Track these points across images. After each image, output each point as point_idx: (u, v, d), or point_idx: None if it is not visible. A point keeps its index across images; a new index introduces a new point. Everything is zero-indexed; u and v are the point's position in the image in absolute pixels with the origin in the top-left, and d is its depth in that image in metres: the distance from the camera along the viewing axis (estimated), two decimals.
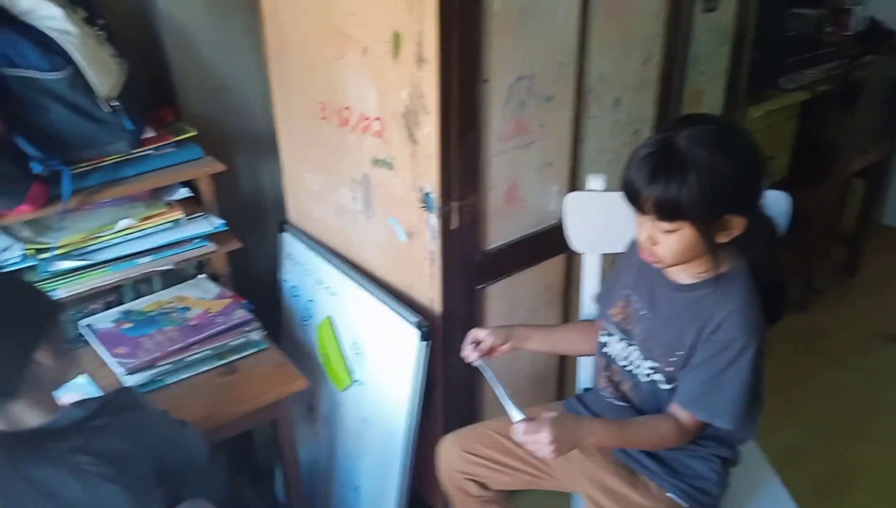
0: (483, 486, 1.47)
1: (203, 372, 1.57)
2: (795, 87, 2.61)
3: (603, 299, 1.45)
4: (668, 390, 1.29)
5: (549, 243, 1.68)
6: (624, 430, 1.27)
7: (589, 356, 1.52)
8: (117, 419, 1.12)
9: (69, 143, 1.47)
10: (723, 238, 1.16)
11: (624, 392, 1.37)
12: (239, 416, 1.49)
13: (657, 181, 1.12)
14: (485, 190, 1.50)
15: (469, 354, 1.38)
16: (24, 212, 1.44)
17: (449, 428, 1.70)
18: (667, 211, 1.13)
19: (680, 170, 1.10)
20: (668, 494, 1.31)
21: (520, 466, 1.44)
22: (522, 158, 1.55)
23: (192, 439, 1.28)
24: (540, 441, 1.18)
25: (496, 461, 1.44)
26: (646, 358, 1.31)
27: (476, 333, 1.40)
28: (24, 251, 1.49)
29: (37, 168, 1.41)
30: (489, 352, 1.40)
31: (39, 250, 1.50)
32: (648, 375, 1.31)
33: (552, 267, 1.75)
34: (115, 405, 1.14)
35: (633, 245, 1.35)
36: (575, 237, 1.49)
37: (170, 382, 1.53)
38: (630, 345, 1.34)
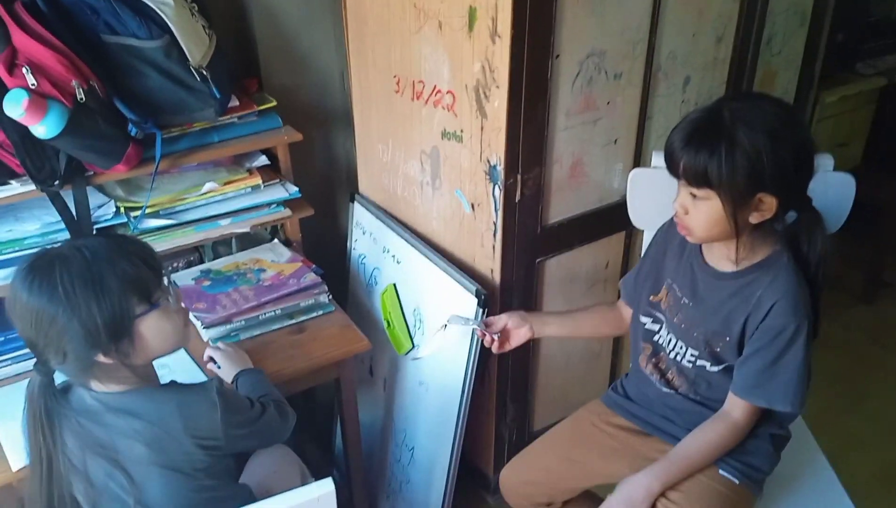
0: (548, 504, 1.52)
1: (274, 330, 1.66)
2: (874, 72, 2.55)
3: (633, 290, 1.45)
4: (717, 372, 1.30)
5: (610, 219, 1.71)
6: (680, 459, 1.29)
7: (608, 337, 1.55)
8: (187, 411, 1.14)
9: (162, 108, 1.57)
10: (755, 218, 1.16)
11: (670, 380, 1.38)
12: (305, 372, 1.58)
13: (690, 146, 1.13)
14: (549, 164, 1.54)
15: (480, 333, 1.43)
16: (120, 171, 1.54)
17: (502, 396, 1.77)
18: (695, 178, 1.14)
19: (715, 140, 1.11)
20: (721, 472, 1.31)
21: (576, 475, 1.47)
22: (588, 134, 1.57)
23: (270, 424, 1.29)
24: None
25: (552, 480, 1.48)
26: (689, 347, 1.32)
27: (491, 318, 1.46)
28: (118, 209, 1.60)
29: (133, 131, 1.51)
30: (503, 337, 1.45)
31: (131, 209, 1.62)
32: (692, 362, 1.32)
33: (612, 244, 1.78)
34: (189, 399, 1.16)
35: (672, 230, 1.35)
36: (637, 214, 1.52)
37: (244, 337, 1.63)
38: (673, 333, 1.35)
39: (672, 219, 1.34)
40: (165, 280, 1.14)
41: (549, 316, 1.52)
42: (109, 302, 1.05)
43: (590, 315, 1.55)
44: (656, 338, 1.39)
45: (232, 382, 1.43)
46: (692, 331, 1.31)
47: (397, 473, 1.89)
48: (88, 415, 1.10)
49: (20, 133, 1.39)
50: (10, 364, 1.53)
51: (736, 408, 1.27)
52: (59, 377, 1.13)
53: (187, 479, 1.15)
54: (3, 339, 1.52)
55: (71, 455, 1.11)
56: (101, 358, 1.07)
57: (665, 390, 1.39)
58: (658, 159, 1.49)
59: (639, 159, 1.70)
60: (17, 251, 1.51)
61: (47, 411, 1.08)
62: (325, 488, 1.06)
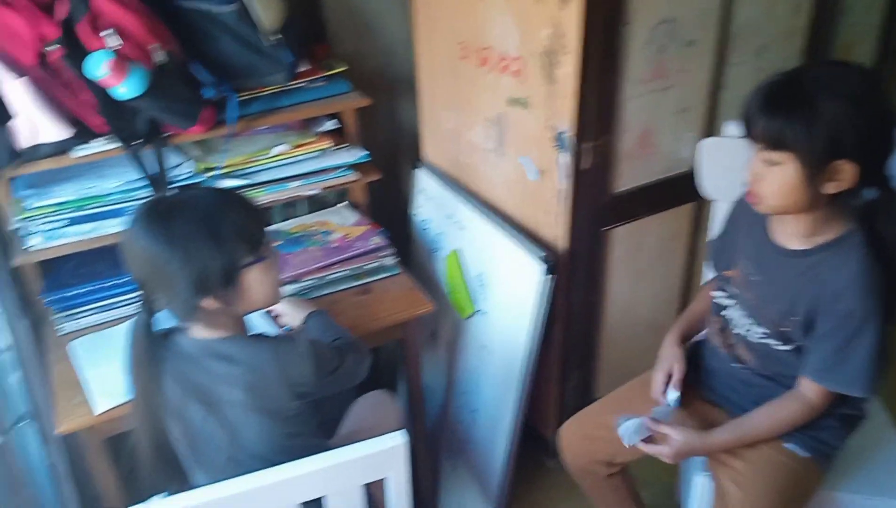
0: (608, 463, 1.52)
1: (341, 290, 1.71)
2: None
3: (718, 256, 1.43)
4: (786, 351, 1.28)
5: (679, 189, 1.69)
6: (746, 431, 1.30)
7: None
8: (276, 357, 1.18)
9: (235, 72, 1.61)
10: (830, 189, 1.13)
11: (739, 355, 1.37)
12: (371, 333, 1.62)
13: (768, 108, 1.11)
14: (618, 132, 1.53)
15: (662, 398, 1.42)
16: (196, 132, 1.60)
17: (566, 362, 1.78)
18: (772, 140, 1.12)
19: (795, 102, 1.09)
20: (786, 445, 1.31)
21: None
22: (659, 103, 1.56)
23: (352, 367, 1.35)
24: (661, 454, 1.27)
25: (615, 438, 1.45)
26: (758, 324, 1.30)
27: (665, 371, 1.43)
28: (194, 169, 1.66)
29: (208, 93, 1.56)
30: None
31: (206, 169, 1.67)
32: (761, 340, 1.31)
33: (680, 215, 1.76)
34: (282, 348, 1.20)
35: (744, 204, 1.33)
36: (708, 184, 1.50)
37: (313, 296, 1.68)
38: (743, 310, 1.33)
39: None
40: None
41: (685, 328, 1.48)
42: (223, 250, 1.10)
43: (705, 303, 1.49)
44: (725, 313, 1.38)
45: (302, 325, 1.47)
46: (762, 309, 1.29)
47: (459, 434, 1.93)
48: (189, 359, 1.16)
49: (103, 94, 1.45)
50: (96, 313, 1.61)
51: (809, 390, 1.26)
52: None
53: (280, 424, 1.20)
54: (87, 289, 1.60)
55: (170, 397, 1.17)
56: (207, 303, 1.13)
57: (734, 364, 1.38)
58: (730, 129, 1.47)
59: (710, 129, 1.67)
60: (101, 207, 1.58)
61: (150, 352, 1.14)
62: (398, 440, 1.10)
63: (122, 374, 1.19)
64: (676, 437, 1.29)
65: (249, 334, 1.26)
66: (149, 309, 1.14)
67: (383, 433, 1.09)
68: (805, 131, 1.08)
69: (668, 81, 1.54)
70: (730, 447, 1.32)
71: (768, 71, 1.68)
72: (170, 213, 1.09)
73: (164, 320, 1.18)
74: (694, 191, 1.61)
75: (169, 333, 1.20)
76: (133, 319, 1.16)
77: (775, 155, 1.13)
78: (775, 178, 1.15)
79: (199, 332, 1.18)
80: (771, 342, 1.30)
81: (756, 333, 1.31)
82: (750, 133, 1.16)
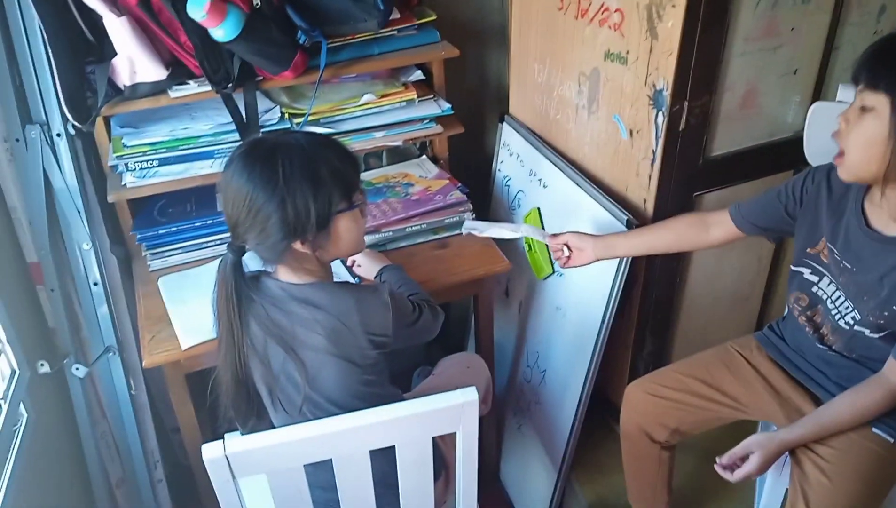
0: (672, 430, 1.48)
1: (419, 243, 1.71)
2: None
3: (767, 216, 1.37)
4: (876, 338, 1.23)
5: (780, 155, 1.60)
6: (827, 423, 1.25)
7: (689, 251, 1.59)
8: (361, 306, 1.20)
9: (329, 18, 1.60)
10: None
11: (824, 335, 1.32)
12: (446, 287, 1.62)
13: (877, 53, 1.11)
14: (720, 92, 1.45)
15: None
16: (287, 78, 1.60)
17: (641, 329, 1.74)
18: (871, 80, 1.10)
19: None
20: (875, 430, 1.26)
21: (712, 402, 1.43)
22: (766, 62, 1.46)
23: (427, 323, 1.35)
24: (750, 473, 1.23)
25: (685, 402, 1.44)
26: (853, 309, 1.25)
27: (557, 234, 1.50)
28: (282, 114, 1.67)
29: (301, 38, 1.56)
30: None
31: (294, 115, 1.68)
32: (850, 325, 1.25)
33: (777, 182, 1.63)
34: (365, 297, 1.21)
35: (828, 181, 1.27)
36: (814, 152, 1.41)
37: (391, 248, 1.69)
38: (833, 292, 1.28)
39: (827, 170, 1.27)
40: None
41: (616, 237, 1.48)
42: (320, 194, 1.11)
43: (666, 229, 1.46)
44: (815, 290, 1.32)
45: (376, 277, 1.48)
46: (862, 296, 1.23)
47: (527, 392, 1.93)
48: (273, 301, 1.18)
49: (200, 36, 1.47)
50: (183, 252, 1.66)
51: (895, 373, 1.20)
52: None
53: (357, 371, 1.22)
54: (175, 229, 1.65)
55: (253, 338, 1.20)
56: (298, 246, 1.14)
57: (819, 345, 1.33)
58: (844, 93, 1.37)
59: (818, 93, 1.56)
60: (192, 148, 1.61)
61: (237, 290, 1.16)
62: (469, 396, 1.10)
63: (208, 312, 1.22)
64: (754, 451, 1.25)
65: (334, 281, 1.27)
66: (238, 250, 1.16)
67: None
68: None
69: (779, 39, 1.44)
70: (811, 440, 1.27)
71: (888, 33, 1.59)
72: (271, 155, 1.10)
73: (249, 262, 1.20)
74: (795, 158, 1.52)
75: (256, 275, 1.22)
76: (221, 259, 1.18)
77: (871, 97, 1.09)
78: (863, 129, 1.11)
79: (285, 275, 1.20)
80: (861, 329, 1.24)
81: (847, 318, 1.26)
82: (857, 74, 1.13)
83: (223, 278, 1.17)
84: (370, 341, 1.21)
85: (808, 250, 1.31)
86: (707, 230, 1.43)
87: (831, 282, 1.29)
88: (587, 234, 1.50)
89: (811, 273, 1.32)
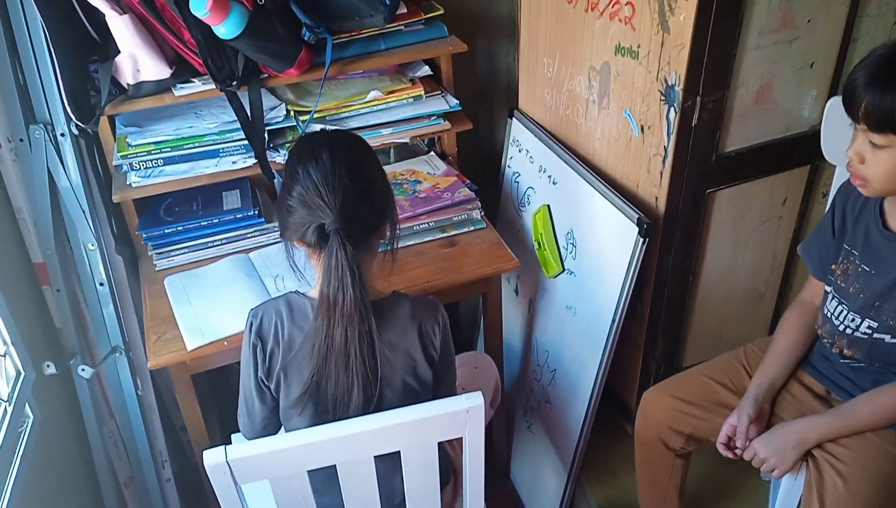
0: (688, 437, 1.44)
1: (427, 241, 1.68)
2: None
3: (819, 257, 1.33)
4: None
5: (795, 151, 1.56)
6: (848, 419, 1.23)
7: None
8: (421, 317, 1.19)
9: (334, 13, 1.57)
10: None
11: (841, 349, 1.29)
12: (455, 285, 1.60)
13: (875, 85, 1.01)
14: (734, 87, 1.41)
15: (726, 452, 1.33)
16: (291, 75, 1.58)
17: (653, 328, 1.71)
18: (878, 122, 1.02)
19: None
20: (894, 429, 1.24)
21: (731, 409, 1.39)
22: (782, 55, 1.42)
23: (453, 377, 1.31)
24: (761, 468, 1.22)
25: (705, 408, 1.41)
26: (866, 318, 1.22)
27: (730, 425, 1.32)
28: (288, 112, 1.65)
29: (306, 35, 1.54)
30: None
31: (300, 113, 1.66)
32: (867, 334, 1.22)
33: (793, 179, 1.63)
34: (424, 311, 1.19)
35: (845, 191, 1.24)
36: (831, 147, 1.38)
37: (398, 246, 1.66)
38: (842, 305, 1.25)
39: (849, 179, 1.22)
40: None
41: (769, 373, 1.35)
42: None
43: (795, 333, 1.38)
44: (827, 308, 1.29)
45: None
46: (873, 301, 1.20)
47: (537, 392, 1.90)
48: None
49: (204, 33, 1.45)
50: (188, 252, 1.65)
51: None
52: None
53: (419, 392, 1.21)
54: (180, 228, 1.64)
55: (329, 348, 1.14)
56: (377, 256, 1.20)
57: (842, 361, 1.30)
58: None
59: (835, 87, 1.52)
60: (197, 147, 1.60)
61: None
62: (474, 401, 1.08)
63: (214, 312, 1.20)
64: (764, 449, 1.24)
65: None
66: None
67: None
68: None
69: (795, 31, 1.40)
70: (830, 434, 1.25)
71: None
72: (358, 162, 1.11)
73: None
74: (812, 153, 1.48)
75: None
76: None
77: (882, 138, 1.04)
78: (882, 161, 1.06)
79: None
80: (880, 336, 1.21)
81: (863, 328, 1.23)
82: (852, 111, 1.06)
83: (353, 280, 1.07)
84: (424, 354, 1.20)
85: (830, 266, 1.29)
86: (813, 304, 1.38)
87: (844, 299, 1.26)
88: (748, 404, 1.33)
89: (828, 291, 1.29)
